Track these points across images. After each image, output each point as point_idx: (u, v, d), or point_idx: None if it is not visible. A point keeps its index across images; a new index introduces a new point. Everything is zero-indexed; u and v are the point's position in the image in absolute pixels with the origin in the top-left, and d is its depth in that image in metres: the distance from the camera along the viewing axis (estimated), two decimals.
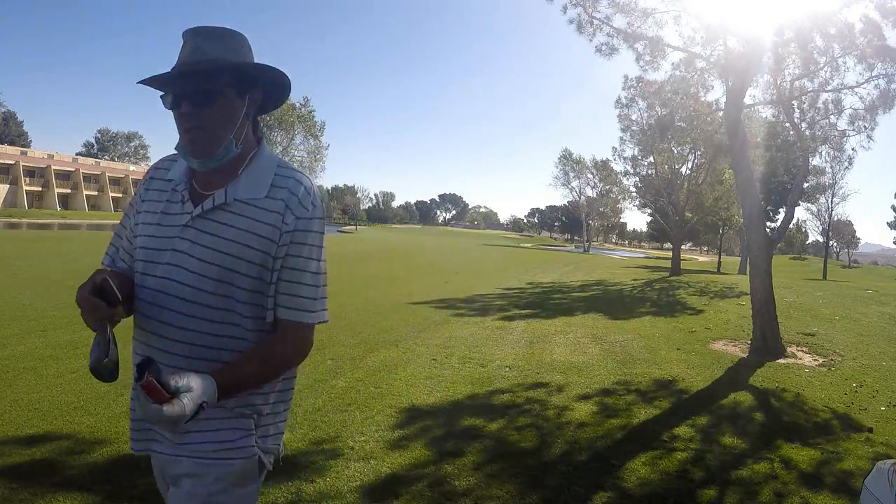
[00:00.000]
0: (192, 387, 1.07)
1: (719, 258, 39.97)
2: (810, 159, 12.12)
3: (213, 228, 1.27)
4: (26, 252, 17.24)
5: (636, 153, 27.30)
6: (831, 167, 25.88)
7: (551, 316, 10.44)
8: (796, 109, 10.52)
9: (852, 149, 12.83)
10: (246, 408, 1.29)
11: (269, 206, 1.28)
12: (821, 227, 42.81)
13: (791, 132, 13.07)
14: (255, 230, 1.26)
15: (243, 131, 1.32)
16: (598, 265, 30.57)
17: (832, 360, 7.49)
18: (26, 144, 66.29)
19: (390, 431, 4.11)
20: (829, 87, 9.58)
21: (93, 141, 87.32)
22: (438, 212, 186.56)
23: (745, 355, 7.55)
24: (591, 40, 9.25)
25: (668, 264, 28.62)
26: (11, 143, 60.85)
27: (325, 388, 5.06)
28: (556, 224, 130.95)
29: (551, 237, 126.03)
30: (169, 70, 1.25)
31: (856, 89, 9.40)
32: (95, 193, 62.18)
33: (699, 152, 23.86)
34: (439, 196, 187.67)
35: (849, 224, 66.56)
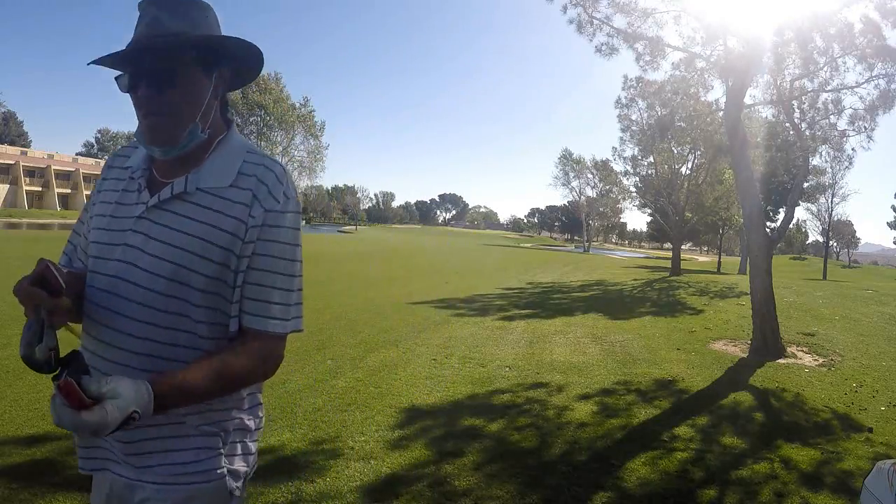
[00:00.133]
0: (120, 393, 0.90)
1: (719, 258, 39.98)
2: (810, 159, 12.12)
3: (170, 220, 1.11)
4: (26, 252, 17.24)
5: (636, 153, 27.33)
6: (831, 167, 25.94)
7: (551, 316, 10.44)
8: (796, 109, 10.52)
9: (852, 149, 12.84)
10: (210, 426, 1.14)
11: (234, 196, 1.12)
12: (821, 227, 42.87)
13: (791, 132, 13.07)
14: (218, 224, 1.10)
15: (210, 114, 1.16)
16: (598, 265, 30.57)
17: (832, 360, 7.49)
18: (26, 144, 66.29)
19: (390, 431, 4.11)
20: (829, 87, 9.58)
21: (93, 141, 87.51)
22: (438, 212, 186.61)
23: (745, 355, 7.55)
24: (591, 40, 9.26)
25: (668, 264, 28.62)
26: (11, 143, 60.84)
27: (325, 388, 5.06)
28: (556, 224, 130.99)
29: (551, 237, 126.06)
30: (124, 47, 1.09)
31: (856, 89, 9.41)
32: None
33: (699, 152, 23.86)
34: (439, 196, 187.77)
35: (849, 224, 66.59)
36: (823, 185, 32.27)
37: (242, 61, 1.22)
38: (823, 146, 11.85)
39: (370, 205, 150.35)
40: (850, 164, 22.08)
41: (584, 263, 31.40)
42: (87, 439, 1.18)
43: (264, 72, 51.78)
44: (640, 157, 27.67)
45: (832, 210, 39.45)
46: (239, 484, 1.19)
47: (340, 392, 4.96)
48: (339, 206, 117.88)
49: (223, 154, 1.17)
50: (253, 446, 1.26)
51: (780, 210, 28.40)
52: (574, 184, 60.41)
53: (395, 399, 4.86)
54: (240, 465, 1.21)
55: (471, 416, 4.53)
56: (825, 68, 9.09)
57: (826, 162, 21.71)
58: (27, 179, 54.84)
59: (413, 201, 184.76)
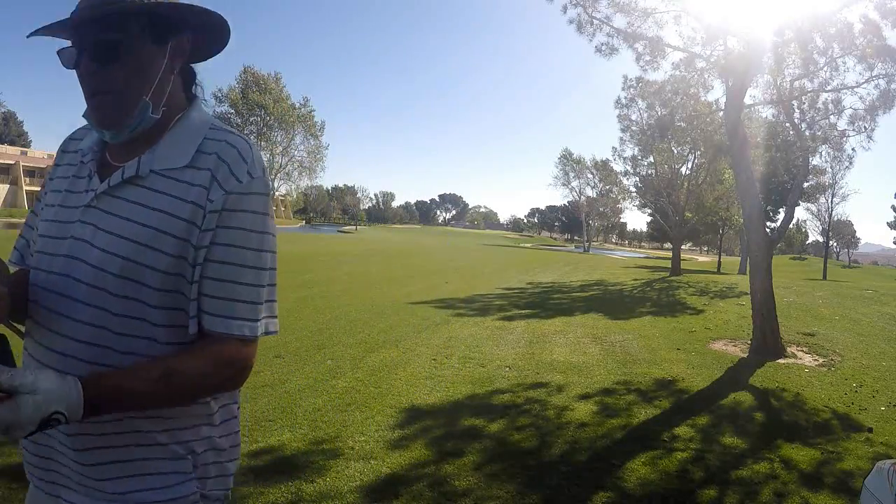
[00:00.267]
0: (40, 388, 0.78)
1: (719, 258, 39.97)
2: (810, 159, 12.13)
3: (120, 209, 0.97)
4: None
5: (636, 153, 27.35)
6: (831, 167, 25.96)
7: (551, 316, 10.44)
8: (796, 109, 10.53)
9: (852, 149, 12.86)
10: (179, 445, 0.99)
11: (191, 178, 0.97)
12: (821, 227, 42.88)
13: (791, 132, 13.07)
14: (174, 210, 0.95)
15: (166, 89, 1.01)
16: (598, 265, 30.58)
17: (832, 360, 7.49)
18: (26, 144, 66.24)
19: (390, 431, 4.11)
20: (829, 87, 9.59)
21: None
22: (438, 212, 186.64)
23: (745, 355, 7.55)
24: (591, 40, 9.26)
25: (668, 264, 28.62)
26: (11, 143, 60.81)
27: (325, 388, 5.06)
28: (556, 224, 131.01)
29: (551, 237, 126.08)
30: (66, 17, 0.96)
31: (856, 89, 9.41)
32: None
33: (699, 152, 23.86)
34: (439, 196, 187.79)
35: (849, 224, 66.67)
36: (823, 185, 32.28)
37: (202, 30, 1.07)
38: (823, 146, 11.86)
39: (370, 205, 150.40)
40: (850, 164, 22.14)
41: (584, 263, 31.41)
42: (38, 446, 1.02)
43: (264, 72, 50.96)
44: (640, 157, 27.70)
45: (832, 210, 39.49)
46: None
47: (340, 392, 4.96)
48: (339, 206, 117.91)
49: (181, 132, 1.02)
50: (231, 466, 1.12)
51: (780, 210, 28.39)
52: (574, 184, 60.46)
53: (395, 399, 4.86)
54: (215, 491, 1.07)
55: (471, 416, 4.53)
56: (825, 68, 9.09)
57: (826, 162, 21.76)
58: (27, 179, 54.83)
59: (413, 201, 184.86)
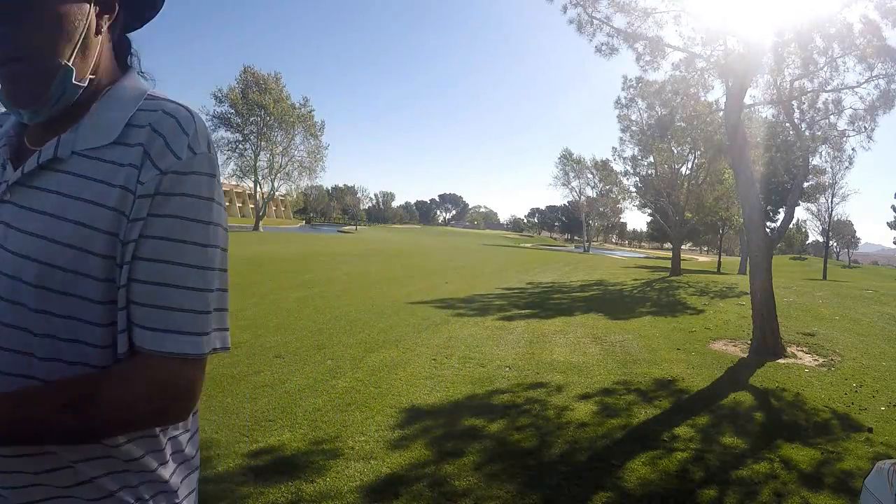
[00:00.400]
0: None
1: (719, 258, 39.97)
2: (810, 159, 12.12)
3: (34, 201, 0.78)
4: None
5: (636, 153, 27.35)
6: (831, 167, 25.97)
7: (551, 316, 10.44)
8: (796, 109, 10.52)
9: (852, 149, 12.83)
10: (125, 490, 0.80)
11: (119, 156, 0.78)
12: (821, 227, 42.90)
13: (791, 132, 13.07)
14: (98, 198, 0.76)
15: (92, 54, 0.82)
16: (598, 265, 30.57)
17: (832, 360, 7.49)
18: None
19: (390, 431, 4.11)
20: (829, 87, 9.58)
21: None
22: (438, 212, 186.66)
23: (745, 355, 7.55)
24: (590, 40, 9.26)
25: (668, 264, 28.62)
26: None
27: (325, 388, 5.06)
28: (556, 224, 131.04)
29: (551, 237, 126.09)
30: None
31: (856, 89, 9.41)
32: None
33: (699, 152, 23.86)
34: (439, 196, 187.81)
35: (849, 224, 66.70)
36: (823, 185, 32.30)
37: None
38: (823, 146, 11.85)
39: (370, 205, 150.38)
40: (850, 164, 22.12)
41: (584, 263, 31.40)
42: None
43: (264, 72, 51.10)
44: (640, 157, 27.70)
45: (832, 210, 39.51)
46: None
47: (340, 392, 4.97)
48: (339, 206, 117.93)
49: (110, 103, 0.83)
50: None
51: (780, 210, 28.40)
52: (574, 184, 60.54)
53: (395, 399, 4.86)
54: None
55: (471, 416, 4.54)
56: (825, 68, 9.09)
57: (826, 162, 21.76)
58: None
59: (413, 201, 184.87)
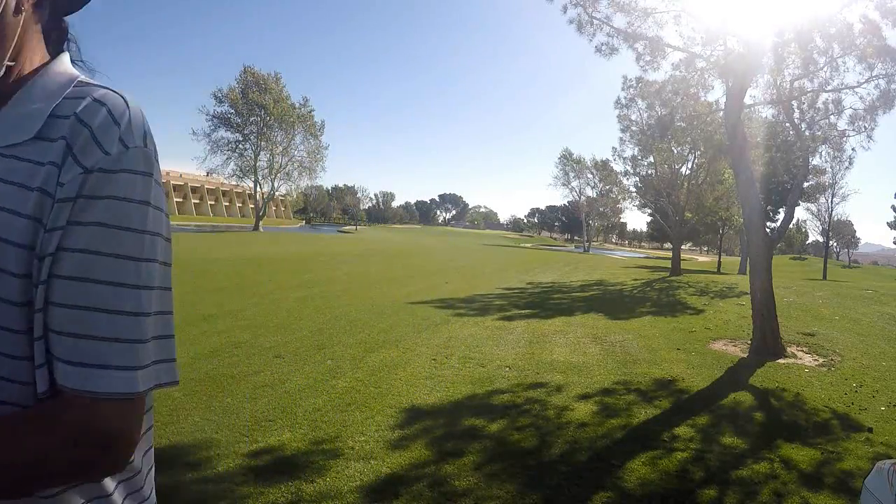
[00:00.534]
0: None
1: (719, 258, 39.97)
2: (810, 159, 12.12)
3: None
4: None
5: (636, 153, 27.36)
6: (831, 167, 25.96)
7: (551, 316, 10.44)
8: (796, 109, 10.52)
9: (852, 149, 12.86)
10: None
11: (39, 153, 0.65)
12: (821, 227, 42.90)
13: (791, 132, 13.07)
14: (13, 204, 0.63)
15: (10, 37, 0.69)
16: (598, 265, 30.57)
17: (832, 360, 7.49)
18: None
19: (390, 431, 4.11)
20: (829, 87, 9.58)
21: None
22: (438, 212, 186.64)
23: (745, 355, 7.55)
24: (591, 40, 9.26)
25: (668, 264, 28.63)
26: None
27: (325, 388, 5.06)
28: (556, 224, 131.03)
29: (551, 237, 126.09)
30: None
31: (856, 89, 9.41)
32: None
33: (699, 152, 23.86)
34: (439, 196, 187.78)
35: (849, 224, 66.72)
36: (823, 185, 32.31)
37: None
38: (823, 146, 11.85)
39: (370, 205, 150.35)
40: (850, 164, 22.13)
41: (584, 263, 31.40)
42: None
43: (264, 72, 51.03)
44: (640, 157, 27.71)
45: (832, 210, 39.53)
46: None
47: (340, 392, 4.97)
48: (339, 206, 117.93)
49: (33, 92, 0.70)
50: None
51: (780, 210, 28.40)
52: (574, 184, 60.59)
53: (395, 399, 4.86)
54: None
55: (471, 416, 4.54)
56: (825, 68, 9.09)
57: (826, 162, 21.75)
58: None
59: (413, 201, 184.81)
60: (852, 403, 5.50)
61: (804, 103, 10.55)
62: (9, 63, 0.70)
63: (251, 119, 49.84)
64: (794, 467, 3.88)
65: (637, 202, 35.12)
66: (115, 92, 0.70)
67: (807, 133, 10.79)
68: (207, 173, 52.17)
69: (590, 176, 58.01)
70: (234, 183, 57.10)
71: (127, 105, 0.69)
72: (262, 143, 50.42)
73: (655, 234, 68.75)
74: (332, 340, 7.05)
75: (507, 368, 6.21)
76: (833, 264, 56.15)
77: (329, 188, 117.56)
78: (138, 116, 0.70)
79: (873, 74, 8.84)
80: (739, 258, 38.70)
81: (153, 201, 0.68)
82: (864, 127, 10.08)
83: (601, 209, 60.88)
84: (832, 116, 10.66)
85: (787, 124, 12.81)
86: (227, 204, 79.90)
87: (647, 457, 3.90)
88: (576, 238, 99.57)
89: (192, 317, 8.03)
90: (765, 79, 9.79)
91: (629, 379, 6.03)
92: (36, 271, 0.63)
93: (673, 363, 6.91)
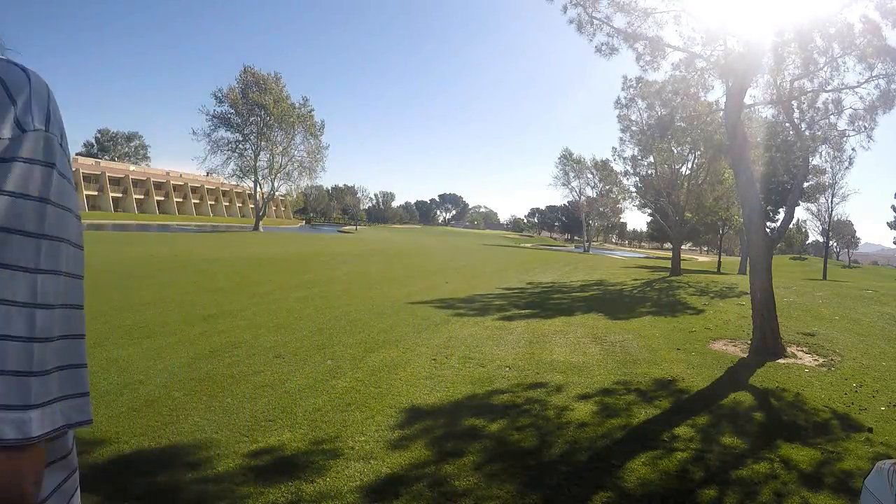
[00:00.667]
0: None
1: (719, 258, 39.97)
2: (810, 159, 12.12)
3: None
4: None
5: (636, 153, 27.36)
6: (831, 167, 26.01)
7: (551, 316, 10.44)
8: (796, 109, 10.52)
9: (852, 149, 12.90)
10: None
11: None
12: (821, 227, 42.88)
13: (791, 132, 13.07)
14: None
15: None
16: (598, 265, 30.56)
17: (832, 360, 7.49)
18: None
19: (390, 431, 4.11)
20: (829, 87, 9.58)
21: (92, 141, 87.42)
22: (438, 212, 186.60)
23: (745, 355, 7.55)
24: (591, 40, 9.26)
25: (668, 264, 28.63)
26: None
27: (325, 388, 5.06)
28: (556, 224, 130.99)
29: (551, 237, 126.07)
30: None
31: (856, 89, 9.41)
32: (95, 193, 62.17)
33: (699, 152, 23.86)
34: (439, 196, 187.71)
35: (849, 224, 66.71)
36: (823, 185, 32.32)
37: None
38: (823, 146, 11.85)
39: (370, 205, 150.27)
40: (850, 164, 22.18)
41: (584, 263, 31.39)
42: None
43: (264, 71, 51.05)
44: (640, 157, 27.70)
45: (832, 210, 39.51)
46: None
47: (340, 392, 4.97)
48: (339, 206, 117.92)
49: None
50: None
51: (780, 210, 28.41)
52: (574, 184, 60.62)
53: (395, 399, 4.86)
54: None
55: (471, 416, 4.54)
56: (825, 68, 9.09)
57: (826, 162, 21.80)
58: None
59: (413, 201, 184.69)
60: (852, 403, 5.50)
61: (804, 103, 10.55)
62: None
63: (251, 119, 49.86)
64: (794, 467, 3.88)
65: (637, 202, 35.11)
66: (16, 65, 0.58)
67: (807, 133, 10.79)
68: (207, 173, 52.22)
69: (590, 176, 58.07)
70: (234, 183, 57.13)
71: (28, 79, 0.58)
72: (262, 143, 50.44)
73: (655, 234, 68.72)
74: (333, 340, 7.05)
75: (507, 368, 6.21)
76: (833, 264, 56.16)
77: (329, 188, 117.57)
78: (42, 93, 0.59)
79: (873, 74, 8.84)
80: (739, 258, 38.70)
81: (55, 198, 0.56)
82: (864, 127, 10.08)
83: (601, 209, 60.89)
84: (832, 116, 10.66)
85: (787, 124, 12.82)
86: (227, 204, 79.94)
87: (647, 457, 3.90)
88: (576, 238, 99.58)
89: (192, 317, 8.04)
90: (765, 79, 9.80)
91: (629, 379, 6.03)
92: None
93: (673, 363, 6.91)
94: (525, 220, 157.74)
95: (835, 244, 73.10)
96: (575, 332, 8.70)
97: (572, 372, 6.20)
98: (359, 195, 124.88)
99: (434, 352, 6.77)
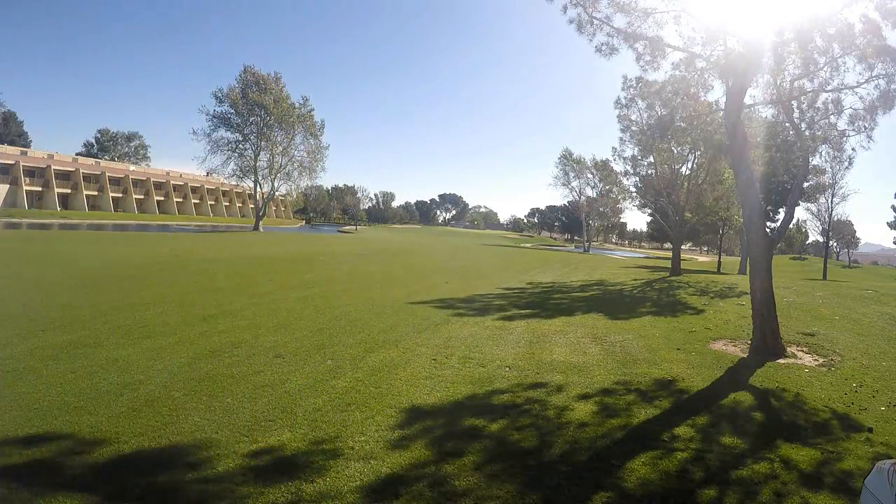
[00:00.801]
0: None
1: (719, 258, 39.97)
2: (810, 159, 12.12)
3: None
4: (26, 253, 17.24)
5: (636, 153, 27.36)
6: (831, 167, 26.05)
7: (551, 316, 10.43)
8: (796, 109, 10.51)
9: (852, 149, 12.86)
10: None
11: None
12: (821, 227, 42.88)
13: (791, 132, 13.07)
14: None
15: None
16: (598, 265, 30.56)
17: (832, 360, 7.49)
18: (26, 144, 66.33)
19: (390, 431, 4.11)
20: (829, 87, 9.57)
21: (93, 141, 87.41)
22: (438, 212, 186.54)
23: (745, 355, 7.55)
24: (591, 40, 9.26)
25: (668, 264, 28.64)
26: (11, 143, 60.90)
27: (325, 388, 5.06)
28: (556, 224, 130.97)
29: (551, 237, 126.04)
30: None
31: (856, 89, 9.40)
32: (95, 193, 62.17)
33: (699, 152, 23.86)
34: (439, 196, 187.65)
35: (849, 224, 66.67)
36: (823, 185, 32.33)
37: None
38: (823, 146, 11.85)
39: (370, 205, 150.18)
40: (850, 164, 22.19)
41: (584, 263, 31.38)
42: None
43: (265, 71, 51.03)
44: (640, 158, 27.70)
45: (832, 210, 39.51)
46: None
47: (340, 392, 4.97)
48: (339, 206, 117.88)
49: None
50: None
51: (780, 210, 28.41)
52: (574, 184, 60.69)
53: (395, 399, 4.86)
54: None
55: (471, 416, 4.53)
56: (825, 68, 9.08)
57: (826, 162, 21.83)
58: (27, 179, 54.84)
59: (413, 201, 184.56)
60: (852, 403, 5.50)
61: (804, 103, 10.54)
62: None
63: (251, 119, 49.86)
64: (794, 467, 3.88)
65: (637, 202, 35.12)
66: None
67: (807, 133, 10.79)
68: (207, 173, 52.23)
69: (590, 176, 58.11)
70: (234, 183, 57.13)
71: None
72: (262, 143, 50.44)
73: (655, 234, 68.76)
74: (333, 340, 7.05)
75: (507, 368, 6.21)
76: (833, 264, 56.16)
77: (329, 188, 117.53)
78: None
79: (873, 74, 8.84)
80: (739, 258, 38.70)
81: None
82: (864, 127, 10.07)
83: (601, 209, 60.92)
84: (832, 116, 10.66)
85: (787, 124, 12.82)
86: (227, 204, 79.91)
87: (647, 457, 3.90)
88: (576, 238, 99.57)
89: (192, 317, 8.03)
90: (765, 79, 9.79)
91: (629, 379, 6.03)
92: None
93: (673, 363, 6.91)
94: (525, 220, 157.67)
95: (835, 244, 73.13)
96: (575, 332, 8.70)
97: (572, 372, 6.20)
98: (359, 195, 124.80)
99: (434, 352, 6.77)
